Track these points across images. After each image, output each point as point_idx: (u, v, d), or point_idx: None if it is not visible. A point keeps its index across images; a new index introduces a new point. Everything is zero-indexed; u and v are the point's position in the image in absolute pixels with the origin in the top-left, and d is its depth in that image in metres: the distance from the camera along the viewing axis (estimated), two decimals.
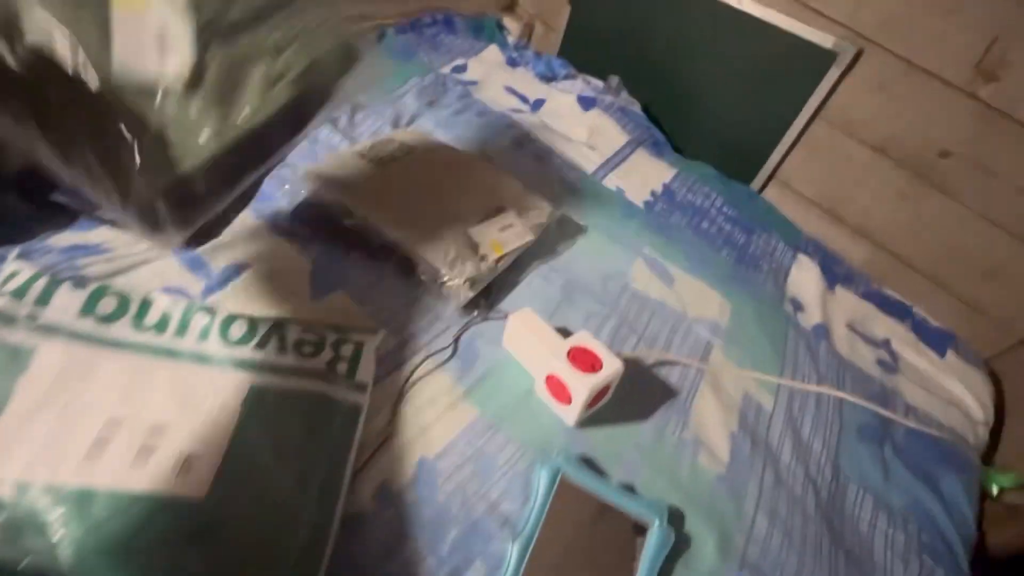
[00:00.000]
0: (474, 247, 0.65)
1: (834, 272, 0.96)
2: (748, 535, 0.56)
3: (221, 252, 0.60)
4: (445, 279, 0.62)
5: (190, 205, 0.35)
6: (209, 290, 0.58)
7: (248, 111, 0.34)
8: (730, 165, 1.09)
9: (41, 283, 0.48)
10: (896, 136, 0.94)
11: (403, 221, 0.65)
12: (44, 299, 0.47)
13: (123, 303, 0.50)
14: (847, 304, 0.91)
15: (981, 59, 0.82)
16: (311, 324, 0.54)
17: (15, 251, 0.50)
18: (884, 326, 0.89)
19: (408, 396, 0.56)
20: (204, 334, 0.51)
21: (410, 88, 0.95)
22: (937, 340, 0.89)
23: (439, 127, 0.89)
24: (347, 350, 0.53)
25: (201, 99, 0.32)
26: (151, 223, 0.34)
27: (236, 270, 0.60)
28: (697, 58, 1.08)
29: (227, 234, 0.41)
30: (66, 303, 0.47)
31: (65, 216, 0.59)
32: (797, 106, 0.99)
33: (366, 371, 0.52)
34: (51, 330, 0.45)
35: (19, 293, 0.47)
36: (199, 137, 0.32)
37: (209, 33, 0.32)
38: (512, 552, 0.47)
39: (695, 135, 1.13)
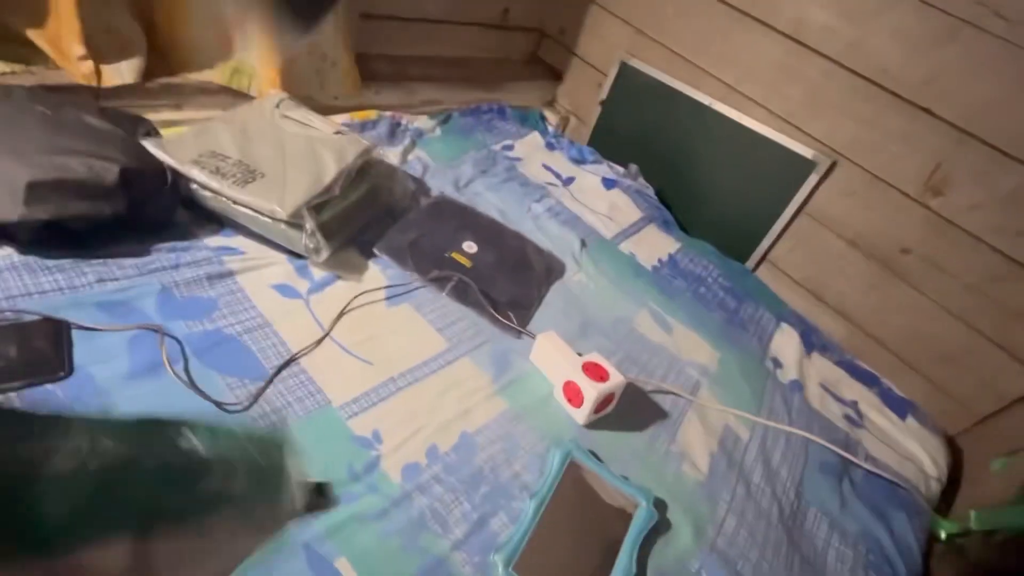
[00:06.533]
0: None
1: (812, 341, 1.11)
2: (719, 529, 0.68)
3: (321, 265, 0.79)
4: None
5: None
6: (311, 291, 0.76)
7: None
8: (728, 245, 1.28)
9: None
10: (864, 233, 1.13)
11: None
12: None
13: None
14: (821, 368, 1.05)
15: (929, 177, 1.02)
16: None
17: None
18: (853, 390, 1.03)
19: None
20: None
21: (467, 159, 1.17)
22: (899, 406, 1.02)
23: (488, 190, 1.11)
24: None
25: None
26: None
27: (332, 278, 0.78)
28: (703, 156, 1.31)
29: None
30: None
31: (216, 224, 0.78)
32: (784, 202, 1.20)
33: None
34: None
35: None
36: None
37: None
38: (529, 507, 0.60)
39: (699, 218, 1.33)
